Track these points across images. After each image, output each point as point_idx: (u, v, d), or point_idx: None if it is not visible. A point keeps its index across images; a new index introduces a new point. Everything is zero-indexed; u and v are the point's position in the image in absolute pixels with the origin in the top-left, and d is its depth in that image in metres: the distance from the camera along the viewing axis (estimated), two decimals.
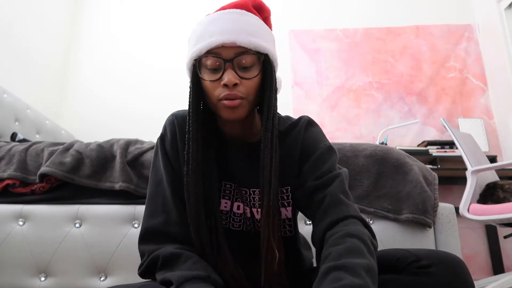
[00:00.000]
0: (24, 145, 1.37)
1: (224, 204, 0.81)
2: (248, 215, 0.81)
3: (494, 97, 3.04)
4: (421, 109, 3.07)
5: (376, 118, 3.08)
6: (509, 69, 2.84)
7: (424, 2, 3.36)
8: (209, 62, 0.73)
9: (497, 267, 2.56)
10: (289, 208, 0.81)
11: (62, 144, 1.36)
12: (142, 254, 0.74)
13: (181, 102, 3.35)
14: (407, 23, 3.29)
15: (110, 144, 1.33)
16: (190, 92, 0.76)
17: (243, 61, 0.72)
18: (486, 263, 2.60)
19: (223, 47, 0.71)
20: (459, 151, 1.96)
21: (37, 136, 2.33)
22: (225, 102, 0.72)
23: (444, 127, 2.05)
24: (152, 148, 1.31)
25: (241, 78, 0.72)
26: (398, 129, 2.99)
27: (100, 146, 1.32)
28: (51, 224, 1.21)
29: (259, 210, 0.79)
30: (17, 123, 2.15)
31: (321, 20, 3.33)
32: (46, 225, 1.21)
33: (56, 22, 3.21)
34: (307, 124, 0.85)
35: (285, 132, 0.82)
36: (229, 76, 0.70)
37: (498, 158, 2.83)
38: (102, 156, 1.29)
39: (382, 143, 2.73)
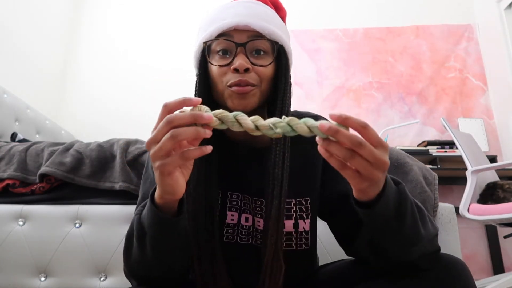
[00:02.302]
0: (24, 145, 1.37)
1: (231, 217, 0.73)
2: (261, 227, 0.72)
3: (494, 97, 3.04)
4: (421, 109, 3.07)
5: (376, 118, 3.08)
6: (509, 69, 2.84)
7: (424, 2, 3.36)
8: (219, 46, 0.68)
9: (497, 267, 2.56)
10: (308, 221, 0.74)
11: (62, 144, 1.36)
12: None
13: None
14: (407, 23, 3.29)
15: (110, 144, 1.33)
16: (196, 81, 0.70)
17: (257, 46, 0.68)
18: (486, 263, 2.60)
19: (235, 30, 0.67)
20: (459, 151, 1.96)
21: (37, 136, 2.33)
22: (234, 88, 0.66)
23: (444, 127, 2.05)
24: None
25: (253, 64, 0.66)
26: (398, 129, 2.99)
27: (100, 146, 1.32)
28: (51, 224, 1.20)
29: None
30: (17, 123, 2.15)
31: (321, 20, 3.33)
32: (46, 225, 1.20)
33: (55, 23, 3.21)
34: None
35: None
36: (240, 61, 0.65)
37: (498, 158, 2.83)
38: (102, 156, 1.29)
39: None
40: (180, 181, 0.53)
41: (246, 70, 0.66)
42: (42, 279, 1.18)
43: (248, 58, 0.66)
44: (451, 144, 2.73)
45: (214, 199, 0.69)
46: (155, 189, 0.57)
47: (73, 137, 2.76)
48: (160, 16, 3.46)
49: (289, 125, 0.49)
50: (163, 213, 0.56)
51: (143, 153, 1.30)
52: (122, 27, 3.44)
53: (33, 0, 2.86)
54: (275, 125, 0.50)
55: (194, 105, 0.51)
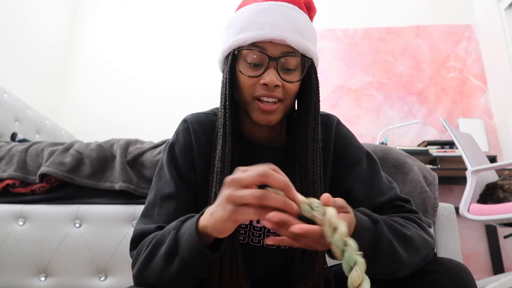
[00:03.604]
0: (24, 145, 1.37)
1: None
2: None
3: (494, 97, 3.04)
4: (421, 109, 3.07)
5: (376, 118, 3.08)
6: (509, 69, 2.84)
7: (424, 2, 3.36)
8: (251, 55, 0.67)
9: (497, 267, 2.56)
10: None
11: (62, 144, 1.36)
12: (132, 256, 0.66)
13: (181, 100, 3.32)
14: (407, 23, 3.29)
15: (110, 144, 1.33)
16: (225, 84, 0.70)
17: (288, 63, 0.68)
18: (486, 263, 2.60)
19: (270, 42, 0.66)
20: (459, 151, 1.96)
21: (37, 136, 2.33)
22: (261, 104, 0.67)
23: (444, 127, 2.05)
24: (152, 148, 1.31)
25: (283, 80, 0.67)
26: (398, 129, 2.99)
27: (100, 146, 1.32)
28: (51, 224, 1.20)
29: None
30: (17, 123, 2.14)
31: (321, 20, 3.32)
32: (46, 225, 1.20)
33: (56, 23, 3.21)
34: (336, 126, 0.79)
35: None
36: (271, 76, 0.65)
37: (498, 158, 2.83)
38: (102, 156, 1.29)
39: (382, 143, 2.73)
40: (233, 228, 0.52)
41: (276, 86, 0.66)
42: (42, 279, 1.18)
43: (278, 73, 0.66)
44: (451, 144, 2.73)
45: None
46: (200, 214, 0.56)
47: (73, 137, 2.76)
48: (162, 12, 3.46)
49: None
50: (205, 249, 0.55)
51: (143, 153, 1.30)
52: (121, 28, 3.44)
53: (33, 0, 2.86)
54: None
55: (292, 213, 0.49)
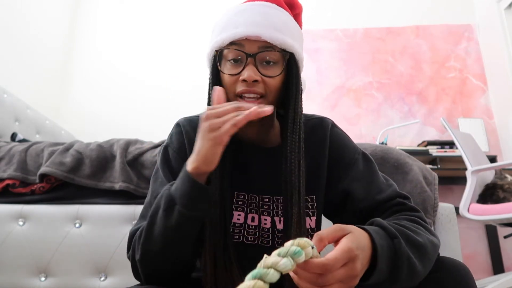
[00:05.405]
0: (24, 145, 1.37)
1: (237, 216, 0.74)
2: (268, 225, 0.74)
3: (494, 97, 3.04)
4: (421, 109, 3.07)
5: (376, 118, 3.08)
6: (509, 69, 2.84)
7: (424, 2, 3.36)
8: (230, 54, 0.70)
9: (497, 267, 2.56)
10: (314, 218, 0.75)
11: (62, 144, 1.36)
12: (128, 258, 0.67)
13: (181, 100, 3.31)
14: (407, 23, 3.29)
15: (110, 144, 1.34)
16: (209, 85, 0.72)
17: (266, 57, 0.69)
18: (486, 263, 2.60)
19: (247, 40, 0.68)
20: (459, 151, 1.96)
21: (37, 136, 2.33)
22: (242, 101, 0.68)
23: (444, 127, 2.05)
24: (152, 148, 1.32)
25: (262, 75, 0.68)
26: (398, 129, 2.99)
27: (100, 146, 1.32)
28: (51, 224, 1.21)
29: (281, 219, 0.74)
30: (17, 123, 2.14)
31: (321, 20, 3.33)
32: (46, 225, 1.21)
33: (56, 23, 3.21)
34: (331, 128, 0.79)
35: (306, 135, 0.76)
36: (249, 72, 0.67)
37: (498, 158, 2.83)
38: (102, 156, 1.29)
39: (382, 143, 2.73)
40: (220, 153, 0.59)
41: (255, 81, 0.67)
42: (42, 279, 1.18)
43: (257, 69, 0.68)
44: (451, 144, 2.73)
45: (227, 200, 0.71)
46: (179, 173, 0.62)
47: (73, 137, 2.76)
48: (160, 15, 3.46)
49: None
50: (199, 183, 0.59)
51: (143, 153, 1.30)
52: (121, 28, 3.44)
53: (33, 1, 2.86)
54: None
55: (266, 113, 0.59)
